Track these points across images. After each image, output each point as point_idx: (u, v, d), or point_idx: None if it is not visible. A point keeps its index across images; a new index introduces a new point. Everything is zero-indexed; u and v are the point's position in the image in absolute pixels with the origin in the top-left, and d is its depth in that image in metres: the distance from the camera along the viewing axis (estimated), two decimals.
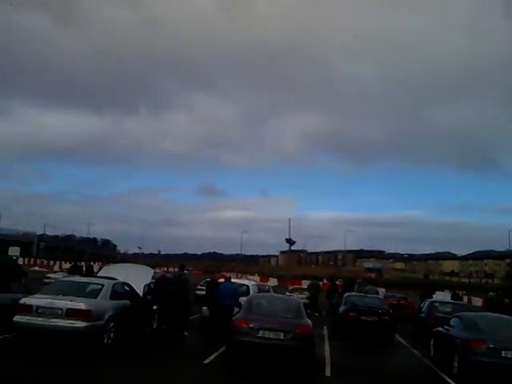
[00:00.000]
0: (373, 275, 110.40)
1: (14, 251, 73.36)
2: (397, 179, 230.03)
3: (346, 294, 18.28)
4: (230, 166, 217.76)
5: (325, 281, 47.55)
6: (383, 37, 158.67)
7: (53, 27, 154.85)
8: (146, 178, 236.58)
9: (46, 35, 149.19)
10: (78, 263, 22.71)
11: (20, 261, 56.68)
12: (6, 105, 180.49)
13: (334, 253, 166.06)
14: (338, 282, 30.53)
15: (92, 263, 27.84)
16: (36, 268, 50.52)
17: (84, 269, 19.97)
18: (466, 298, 47.00)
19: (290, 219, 55.36)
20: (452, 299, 23.29)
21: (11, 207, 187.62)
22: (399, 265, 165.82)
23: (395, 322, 15.98)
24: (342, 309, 16.36)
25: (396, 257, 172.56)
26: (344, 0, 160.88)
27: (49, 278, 24.77)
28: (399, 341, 16.20)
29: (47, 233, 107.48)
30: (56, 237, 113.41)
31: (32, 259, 66.78)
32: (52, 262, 61.04)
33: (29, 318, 10.01)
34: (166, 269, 58.19)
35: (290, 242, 52.89)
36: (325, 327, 17.71)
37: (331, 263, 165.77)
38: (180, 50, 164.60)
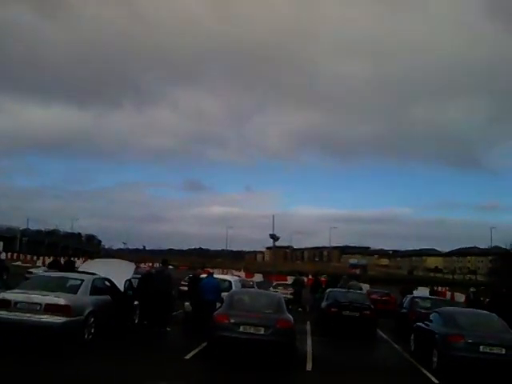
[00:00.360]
0: (358, 271, 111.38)
1: None
2: (382, 176, 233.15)
3: (328, 290, 18.39)
4: (216, 161, 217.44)
5: (310, 276, 47.78)
6: (371, 35, 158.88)
7: (37, 20, 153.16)
8: (131, 173, 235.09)
9: (31, 28, 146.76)
10: (60, 258, 22.50)
11: (3, 255, 56.05)
12: None
13: (320, 249, 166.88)
14: (322, 278, 30.69)
15: (73, 258, 27.68)
16: (19, 263, 49.90)
17: (63, 264, 19.78)
18: (449, 294, 47.61)
19: (273, 215, 55.36)
20: (430, 295, 23.59)
21: None
22: (384, 261, 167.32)
23: (377, 318, 16.12)
24: (324, 304, 16.45)
25: (381, 253, 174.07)
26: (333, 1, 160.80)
27: (30, 273, 24.47)
28: (381, 336, 16.33)
29: (30, 227, 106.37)
30: (39, 231, 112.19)
31: (15, 254, 66.08)
32: (35, 257, 60.41)
33: (7, 313, 9.87)
34: (151, 264, 58.02)
35: (274, 237, 52.91)
36: (308, 322, 17.78)
37: (317, 259, 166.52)
38: (165, 45, 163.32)
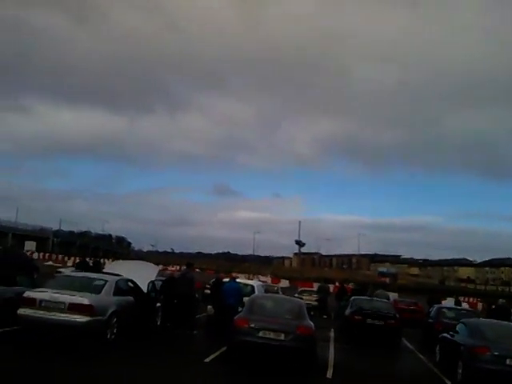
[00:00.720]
0: (387, 280, 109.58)
1: (29, 246, 74.67)
2: (412, 184, 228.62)
3: (352, 297, 18.16)
4: (245, 167, 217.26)
5: (337, 284, 47.34)
6: (399, 41, 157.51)
7: (71, 27, 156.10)
8: (161, 178, 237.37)
9: (65, 35, 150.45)
10: (88, 259, 22.92)
11: (35, 255, 57.54)
12: (24, 103, 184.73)
13: (349, 256, 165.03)
14: (348, 286, 30.40)
15: (101, 259, 28.07)
16: (50, 263, 51.01)
17: (91, 264, 20.15)
18: (480, 305, 46.41)
19: (300, 221, 55.18)
20: (455, 305, 23.04)
21: (28, 203, 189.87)
22: (414, 270, 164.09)
23: (402, 327, 15.81)
24: (348, 312, 16.25)
25: (411, 262, 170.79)
26: (360, 2, 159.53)
27: (60, 272, 24.99)
28: (406, 345, 16.02)
29: (63, 228, 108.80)
30: (71, 233, 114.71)
31: (47, 254, 67.54)
32: (66, 258, 61.65)
33: (32, 311, 10.10)
34: (178, 267, 58.50)
35: (299, 243, 52.70)
36: (332, 329, 17.62)
37: (345, 266, 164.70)
38: (195, 51, 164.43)
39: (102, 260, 36.98)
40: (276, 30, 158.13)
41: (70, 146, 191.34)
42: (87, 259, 23.10)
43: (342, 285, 27.31)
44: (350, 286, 34.99)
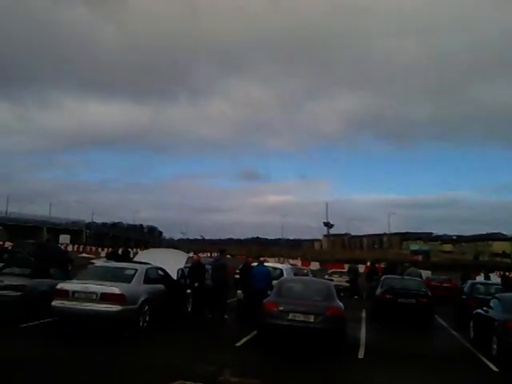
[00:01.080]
0: (420, 258, 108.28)
1: (64, 239, 76.70)
2: (442, 159, 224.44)
3: (383, 277, 18.02)
4: (270, 150, 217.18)
5: (368, 264, 47.02)
6: (425, 11, 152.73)
7: (94, 19, 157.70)
8: (187, 165, 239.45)
9: (86, 26, 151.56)
10: (118, 249, 23.35)
11: (70, 248, 59.01)
12: (51, 96, 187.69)
13: (379, 236, 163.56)
14: (380, 265, 30.18)
15: (133, 249, 28.54)
16: (84, 255, 52.25)
17: (120, 254, 20.54)
18: None
19: (327, 203, 54.75)
20: (485, 280, 22.66)
21: (61, 196, 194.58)
22: (447, 247, 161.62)
23: (434, 304, 15.60)
24: (378, 291, 16.13)
25: (444, 239, 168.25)
26: None
27: (93, 263, 25.58)
28: (439, 323, 15.85)
29: (95, 220, 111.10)
30: (104, 224, 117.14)
31: (81, 246, 69.16)
32: (100, 249, 63.00)
33: (65, 302, 10.35)
34: (209, 254, 59.08)
35: (327, 225, 52.35)
36: (363, 310, 17.56)
37: (376, 246, 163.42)
38: (216, 35, 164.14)
39: (133, 249, 37.68)
40: (297, 9, 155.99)
41: (99, 138, 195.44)
42: (117, 249, 23.53)
43: (372, 265, 27.12)
44: (382, 265, 34.74)
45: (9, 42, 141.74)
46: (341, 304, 10.78)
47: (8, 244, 50.09)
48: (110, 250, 25.29)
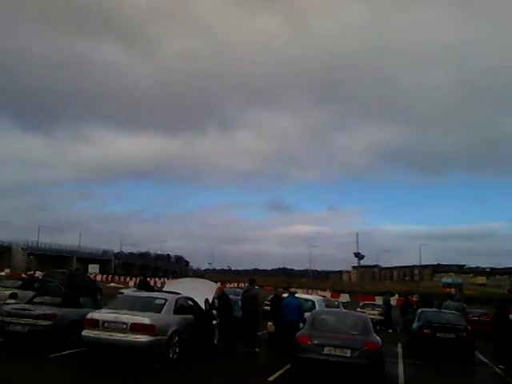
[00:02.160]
0: (452, 291, 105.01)
1: (93, 268, 77.44)
2: (473, 190, 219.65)
3: (419, 310, 17.33)
4: (298, 181, 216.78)
5: (396, 296, 45.80)
6: (452, 45, 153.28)
7: (125, 55, 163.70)
8: (215, 196, 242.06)
9: (121, 64, 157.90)
10: (148, 278, 23.27)
11: (98, 277, 59.34)
12: (85, 130, 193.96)
13: (410, 268, 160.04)
14: (412, 298, 29.27)
15: (161, 279, 28.31)
16: (112, 284, 52.47)
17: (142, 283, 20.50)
18: None
19: (357, 234, 53.67)
20: None
21: (91, 226, 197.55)
22: (481, 279, 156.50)
23: (474, 339, 14.84)
24: (415, 325, 15.47)
25: (477, 271, 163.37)
26: (408, 10, 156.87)
27: (122, 293, 25.54)
28: (480, 359, 15.04)
29: (124, 250, 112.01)
30: (132, 254, 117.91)
31: (110, 276, 69.55)
32: (128, 278, 63.21)
33: (95, 332, 10.18)
34: (236, 284, 58.56)
35: (358, 256, 51.19)
36: (399, 344, 16.89)
37: (407, 278, 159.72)
38: (245, 69, 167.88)
39: (161, 279, 37.52)
40: (325, 43, 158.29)
41: (130, 170, 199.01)
42: (147, 278, 23.46)
43: (406, 297, 26.27)
44: (414, 298, 33.70)
45: (48, 80, 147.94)
46: (378, 338, 10.30)
47: (39, 273, 50.82)
48: (141, 278, 25.15)
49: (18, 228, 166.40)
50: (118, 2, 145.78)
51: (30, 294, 14.40)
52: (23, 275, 47.57)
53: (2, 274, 57.44)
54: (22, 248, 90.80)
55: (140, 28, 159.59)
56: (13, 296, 15.78)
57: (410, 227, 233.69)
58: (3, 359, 10.41)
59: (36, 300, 12.58)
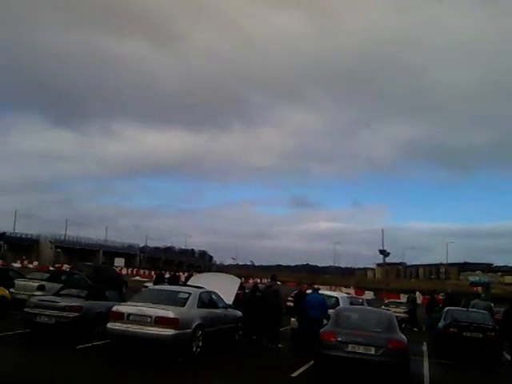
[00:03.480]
0: (479, 289, 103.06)
1: (119, 262, 78.61)
2: (502, 187, 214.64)
3: (446, 309, 17.02)
4: (321, 177, 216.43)
5: (417, 293, 45.09)
6: (479, 41, 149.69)
7: (151, 52, 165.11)
8: (239, 192, 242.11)
9: (146, 60, 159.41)
10: (164, 272, 23.44)
11: (124, 271, 60.19)
12: (112, 126, 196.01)
13: (436, 266, 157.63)
14: (438, 297, 28.83)
15: (185, 273, 28.50)
16: (137, 278, 53.11)
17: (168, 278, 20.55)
18: None
19: (383, 230, 52.94)
20: None
21: (117, 221, 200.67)
22: (509, 278, 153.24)
23: (502, 339, 14.50)
24: (441, 324, 15.19)
25: (504, 270, 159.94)
26: (435, 5, 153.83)
27: (146, 286, 25.78)
28: (508, 359, 14.67)
29: (149, 244, 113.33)
30: (157, 248, 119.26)
31: (135, 269, 70.45)
32: (152, 272, 63.84)
33: (120, 324, 10.29)
34: (259, 280, 58.58)
35: (383, 253, 50.52)
36: (424, 343, 16.64)
37: (433, 276, 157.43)
38: (269, 65, 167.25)
39: (185, 273, 37.82)
40: (349, 39, 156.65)
41: (154, 165, 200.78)
42: (164, 272, 23.65)
43: (432, 296, 25.86)
44: (440, 296, 33.17)
45: (77, 77, 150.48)
46: (404, 336, 10.14)
47: (66, 266, 51.81)
48: (157, 272, 25.20)
49: (45, 222, 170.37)
50: None
51: (58, 286, 14.68)
52: (51, 268, 48.54)
53: (31, 266, 58.84)
54: (49, 241, 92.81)
55: (167, 25, 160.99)
56: (40, 288, 16.06)
57: (437, 224, 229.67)
58: (31, 350, 10.63)
59: (63, 292, 12.80)
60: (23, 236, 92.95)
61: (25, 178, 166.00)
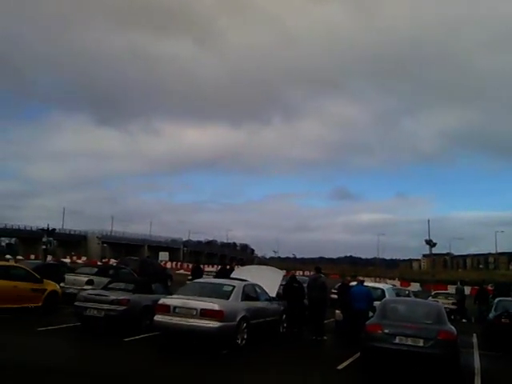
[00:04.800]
0: None
1: (163, 256, 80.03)
2: None
3: (497, 299, 16.47)
4: (364, 168, 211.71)
5: (458, 284, 43.73)
6: None
7: (191, 49, 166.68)
8: (280, 185, 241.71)
9: (187, 57, 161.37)
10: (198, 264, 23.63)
11: (168, 265, 61.33)
12: (153, 124, 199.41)
13: (484, 255, 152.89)
14: (488, 287, 27.95)
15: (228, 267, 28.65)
16: (181, 271, 53.98)
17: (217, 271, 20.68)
18: None
19: (429, 220, 51.82)
20: None
21: (160, 216, 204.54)
22: None
23: None
24: (492, 315, 14.73)
25: None
26: None
27: (191, 280, 26.15)
28: None
29: (191, 238, 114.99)
30: (199, 242, 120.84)
31: (179, 263, 71.65)
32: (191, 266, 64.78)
33: (166, 317, 10.45)
34: (301, 272, 58.48)
35: (430, 243, 49.42)
36: (474, 335, 16.17)
37: (481, 267, 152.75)
38: (309, 57, 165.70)
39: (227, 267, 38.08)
40: (392, 27, 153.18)
41: (196, 161, 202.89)
42: (200, 265, 23.85)
43: (481, 286, 25.09)
44: (489, 287, 32.17)
45: (121, 76, 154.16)
46: (453, 328, 9.86)
47: (113, 261, 53.26)
48: (194, 264, 25.27)
49: (92, 218, 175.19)
50: None
51: (105, 280, 15.08)
52: (99, 263, 50.01)
53: (79, 261, 60.82)
54: (97, 237, 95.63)
55: (207, 21, 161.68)
56: (89, 282, 16.58)
57: (485, 213, 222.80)
58: (81, 342, 10.98)
59: (111, 286, 13.14)
60: (72, 232, 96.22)
61: (72, 176, 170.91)
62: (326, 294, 13.99)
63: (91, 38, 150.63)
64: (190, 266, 65.98)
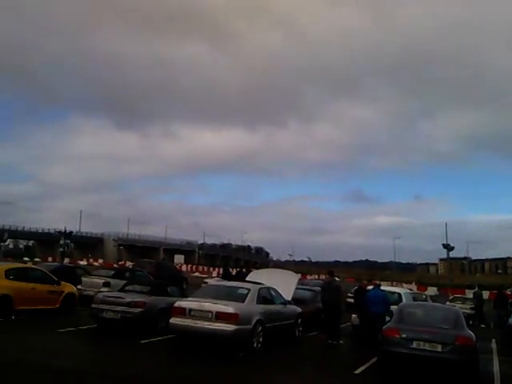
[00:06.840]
0: None
1: (178, 259, 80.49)
2: None
3: None
4: (380, 171, 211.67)
5: (476, 289, 43.15)
6: None
7: (209, 52, 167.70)
8: (295, 188, 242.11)
9: (203, 61, 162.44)
10: (230, 269, 23.65)
11: (184, 267, 61.53)
12: (170, 127, 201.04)
13: (503, 260, 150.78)
14: (507, 292, 27.53)
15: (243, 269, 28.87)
16: (197, 274, 54.08)
17: (233, 274, 20.75)
18: None
19: (446, 223, 51.24)
20: None
21: (176, 219, 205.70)
22: None
23: None
24: (511, 320, 14.48)
25: None
26: None
27: (206, 283, 26.23)
28: None
29: (207, 241, 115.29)
30: (214, 245, 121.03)
31: (194, 266, 71.85)
32: (211, 268, 64.93)
33: (183, 320, 10.47)
34: (317, 276, 58.25)
35: (447, 247, 48.74)
36: (493, 340, 15.91)
37: (499, 271, 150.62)
38: (324, 60, 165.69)
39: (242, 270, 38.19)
40: (408, 28, 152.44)
41: (212, 163, 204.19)
42: (230, 269, 23.84)
43: (500, 291, 24.70)
44: (508, 292, 31.66)
45: (139, 81, 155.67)
46: (472, 333, 9.72)
47: (129, 263, 53.62)
48: (224, 268, 25.60)
49: (109, 221, 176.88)
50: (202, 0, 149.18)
51: (122, 282, 15.14)
52: (115, 265, 50.38)
53: (96, 264, 61.36)
54: (113, 239, 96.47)
55: (224, 25, 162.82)
56: (106, 284, 16.68)
57: (503, 216, 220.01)
58: (100, 344, 11.04)
59: (127, 288, 13.20)
60: (88, 235, 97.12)
61: (90, 178, 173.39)
62: (341, 298, 13.89)
63: (110, 43, 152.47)
64: (206, 268, 66.51)
